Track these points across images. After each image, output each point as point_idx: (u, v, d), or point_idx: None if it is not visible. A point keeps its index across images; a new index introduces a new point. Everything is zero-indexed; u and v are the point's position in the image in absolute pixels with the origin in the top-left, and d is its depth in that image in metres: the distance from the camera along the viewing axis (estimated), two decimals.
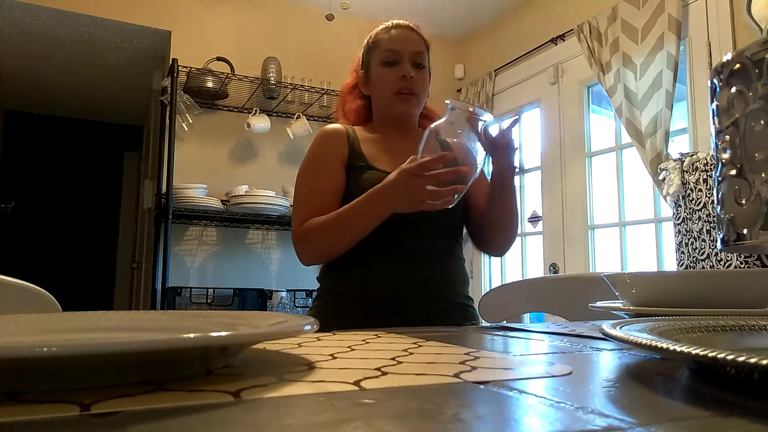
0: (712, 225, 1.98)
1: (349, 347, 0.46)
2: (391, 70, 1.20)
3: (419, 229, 1.12)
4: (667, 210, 2.32)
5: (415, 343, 0.49)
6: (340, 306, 1.12)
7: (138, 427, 0.22)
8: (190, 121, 3.01)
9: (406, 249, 1.12)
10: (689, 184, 2.08)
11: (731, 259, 1.92)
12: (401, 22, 1.26)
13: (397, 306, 1.08)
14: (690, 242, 2.06)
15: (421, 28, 1.27)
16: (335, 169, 1.18)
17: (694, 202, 2.05)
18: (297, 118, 3.11)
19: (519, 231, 3.27)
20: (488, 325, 0.79)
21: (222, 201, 2.94)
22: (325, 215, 1.10)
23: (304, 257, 1.14)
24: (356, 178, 1.17)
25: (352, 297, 1.12)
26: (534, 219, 3.18)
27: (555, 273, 2.91)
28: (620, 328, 0.38)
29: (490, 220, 1.19)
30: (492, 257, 1.29)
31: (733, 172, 0.43)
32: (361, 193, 1.12)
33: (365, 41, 1.29)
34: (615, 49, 2.56)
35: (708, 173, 2.02)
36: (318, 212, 1.12)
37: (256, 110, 3.09)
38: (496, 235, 1.21)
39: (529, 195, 3.26)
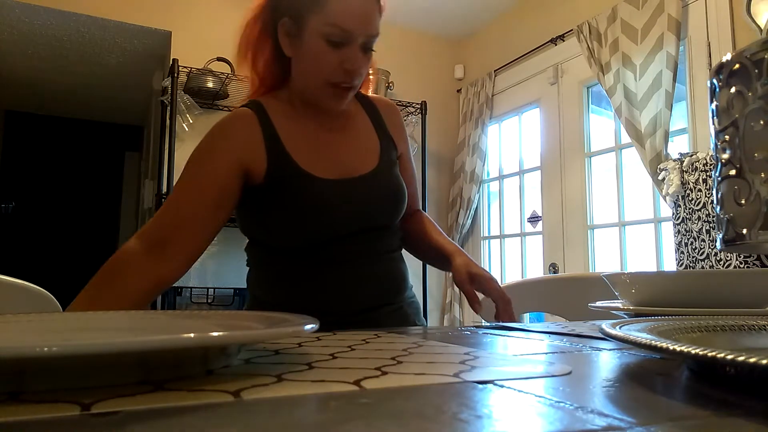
0: (711, 225, 1.98)
1: (349, 347, 0.46)
2: (334, 53, 0.91)
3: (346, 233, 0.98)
4: (666, 210, 2.33)
5: (414, 343, 0.49)
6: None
7: (138, 427, 0.22)
8: (191, 121, 3.01)
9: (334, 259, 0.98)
10: (689, 184, 2.08)
11: (731, 259, 1.92)
12: None
13: (361, 318, 0.97)
14: (689, 242, 2.06)
15: None
16: (218, 186, 0.92)
17: (693, 202, 2.05)
18: None
19: (519, 231, 3.28)
20: (488, 324, 0.79)
21: None
22: (100, 275, 0.85)
23: None
24: (299, 191, 0.94)
25: (310, 312, 0.99)
26: (533, 219, 3.18)
27: (554, 273, 2.91)
28: (620, 327, 0.38)
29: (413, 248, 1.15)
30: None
31: (733, 172, 0.44)
32: (307, 210, 0.93)
33: None
34: (614, 49, 2.56)
35: (707, 173, 2.02)
36: (150, 231, 0.91)
37: None
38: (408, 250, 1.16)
39: (529, 195, 3.26)
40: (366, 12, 0.92)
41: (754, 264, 1.89)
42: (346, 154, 1.02)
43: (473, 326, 0.74)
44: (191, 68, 2.94)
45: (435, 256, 1.10)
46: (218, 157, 0.94)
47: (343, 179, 0.98)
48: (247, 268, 1.08)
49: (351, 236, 0.98)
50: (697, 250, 2.03)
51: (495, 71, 3.43)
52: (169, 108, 2.92)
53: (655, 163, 2.28)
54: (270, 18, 0.97)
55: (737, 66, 0.44)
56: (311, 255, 0.97)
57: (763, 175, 0.42)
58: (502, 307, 0.96)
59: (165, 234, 0.90)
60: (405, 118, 3.24)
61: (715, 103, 0.46)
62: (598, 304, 0.74)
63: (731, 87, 0.44)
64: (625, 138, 2.56)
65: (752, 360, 0.25)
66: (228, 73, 3.00)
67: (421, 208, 1.21)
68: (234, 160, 0.94)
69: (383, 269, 1.03)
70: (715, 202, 0.46)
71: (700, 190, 2.04)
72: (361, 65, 0.94)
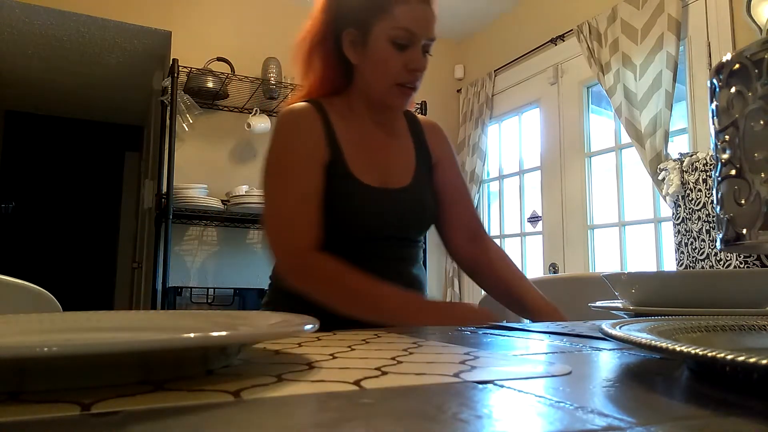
0: (711, 225, 1.98)
1: (349, 347, 0.46)
2: (399, 55, 0.99)
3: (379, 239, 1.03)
4: (666, 210, 2.33)
5: (414, 343, 0.49)
6: (312, 313, 0.99)
7: (138, 427, 0.22)
8: (191, 121, 3.01)
9: (372, 258, 1.01)
10: (689, 184, 2.08)
11: (731, 259, 1.92)
12: None
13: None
14: (689, 242, 2.06)
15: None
16: (316, 171, 0.98)
17: (693, 202, 2.05)
18: None
19: (519, 231, 3.28)
20: (488, 324, 0.79)
21: (222, 201, 2.94)
22: (347, 270, 0.91)
23: (298, 284, 0.93)
24: (342, 191, 1.00)
25: (295, 299, 0.98)
26: (533, 219, 3.18)
27: (554, 273, 2.91)
28: (620, 327, 0.38)
29: (483, 285, 1.15)
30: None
31: (733, 172, 0.44)
32: (346, 209, 0.99)
33: None
34: (614, 49, 2.56)
35: (707, 173, 2.02)
36: (308, 230, 0.95)
37: (256, 110, 3.10)
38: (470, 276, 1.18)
39: (529, 195, 3.26)
40: (427, 16, 1.02)
41: (754, 264, 1.89)
42: (389, 164, 1.07)
43: (473, 326, 0.74)
44: (191, 68, 2.94)
45: (516, 305, 1.09)
46: (303, 152, 0.99)
47: (382, 188, 1.03)
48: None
49: (376, 241, 1.01)
50: (697, 250, 2.03)
51: (495, 71, 3.43)
52: (169, 108, 2.92)
53: (655, 163, 2.28)
54: (331, 30, 1.03)
55: (737, 66, 0.44)
56: (334, 253, 0.98)
57: (763, 175, 0.42)
58: None
59: (309, 242, 0.95)
60: None
61: (715, 103, 0.46)
62: (598, 304, 0.74)
63: (731, 87, 0.44)
64: (625, 138, 2.56)
65: (752, 360, 0.25)
66: (228, 73, 3.00)
67: (483, 227, 1.19)
68: (312, 151, 1.00)
69: (399, 273, 1.04)
70: (715, 202, 0.46)
71: (700, 190, 2.04)
72: (424, 66, 1.01)
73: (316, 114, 1.02)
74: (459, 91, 3.74)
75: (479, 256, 1.14)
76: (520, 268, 1.14)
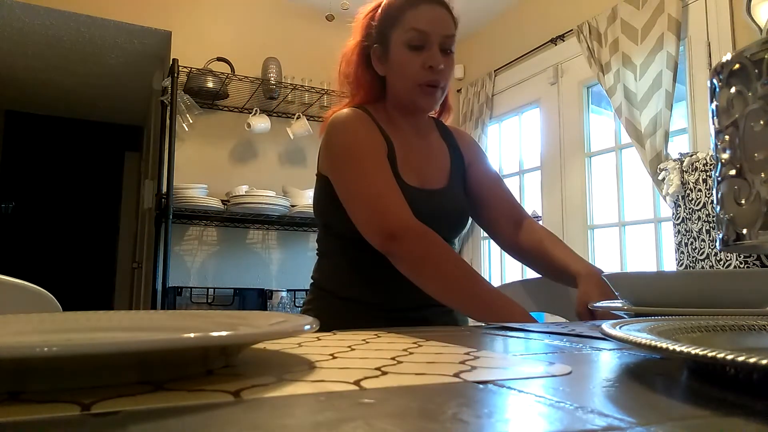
0: (711, 225, 1.98)
1: (349, 347, 0.46)
2: (416, 56, 1.05)
3: None
4: (666, 210, 2.33)
5: (415, 343, 0.49)
6: (354, 312, 1.04)
7: (138, 427, 0.22)
8: (191, 121, 3.01)
9: None
10: (689, 184, 2.08)
11: (731, 259, 1.92)
12: None
13: (415, 314, 1.04)
14: (689, 242, 2.06)
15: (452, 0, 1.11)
16: (387, 162, 1.03)
17: (693, 202, 2.05)
18: (297, 118, 3.12)
19: None
20: (488, 324, 0.79)
21: (222, 201, 2.94)
22: (457, 257, 0.95)
23: (402, 253, 0.94)
24: None
25: (368, 305, 1.04)
26: (533, 219, 3.18)
27: None
28: (620, 327, 0.38)
29: (532, 263, 1.16)
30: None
31: (733, 172, 0.43)
32: None
33: (383, 7, 1.10)
34: (615, 49, 2.56)
35: (707, 173, 2.02)
36: (405, 205, 0.97)
37: (256, 110, 3.10)
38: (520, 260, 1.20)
39: (529, 195, 3.26)
40: (437, 16, 1.06)
41: (754, 264, 1.89)
42: (426, 167, 1.11)
43: (473, 326, 0.74)
44: (191, 68, 2.94)
45: (560, 276, 1.09)
46: (374, 145, 1.04)
47: (421, 189, 1.07)
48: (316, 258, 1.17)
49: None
50: (697, 250, 2.03)
51: (495, 71, 3.43)
52: (169, 108, 2.92)
53: (655, 163, 2.28)
54: (364, 49, 1.12)
55: (737, 66, 0.44)
56: (370, 250, 0.98)
57: (763, 175, 0.42)
58: None
59: (409, 214, 0.97)
60: None
61: (715, 103, 0.46)
62: (599, 304, 0.74)
63: (731, 87, 0.44)
64: (625, 138, 2.56)
65: (752, 360, 0.25)
66: (228, 73, 3.00)
67: (526, 214, 1.23)
68: (380, 144, 1.05)
69: None
70: (715, 202, 0.46)
71: (700, 190, 2.04)
72: (440, 62, 1.05)
73: (369, 116, 1.09)
74: (459, 91, 3.74)
75: (527, 241, 1.16)
76: (522, 267, 1.17)
